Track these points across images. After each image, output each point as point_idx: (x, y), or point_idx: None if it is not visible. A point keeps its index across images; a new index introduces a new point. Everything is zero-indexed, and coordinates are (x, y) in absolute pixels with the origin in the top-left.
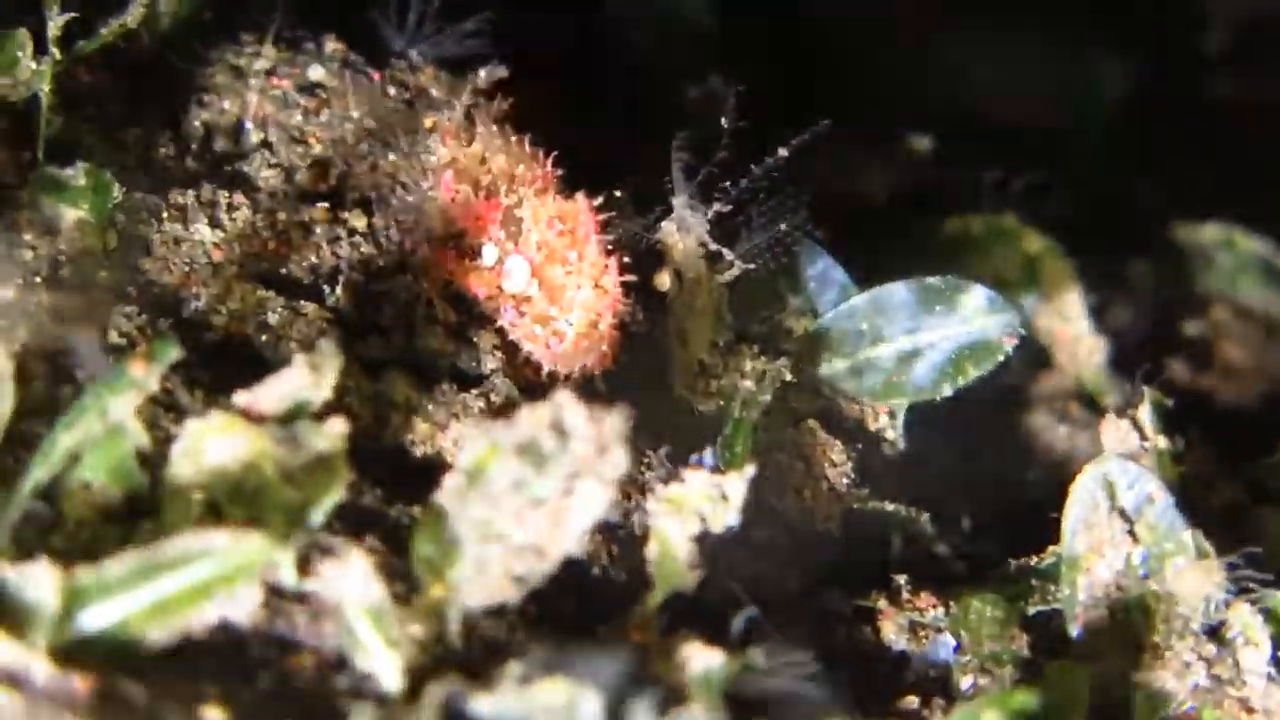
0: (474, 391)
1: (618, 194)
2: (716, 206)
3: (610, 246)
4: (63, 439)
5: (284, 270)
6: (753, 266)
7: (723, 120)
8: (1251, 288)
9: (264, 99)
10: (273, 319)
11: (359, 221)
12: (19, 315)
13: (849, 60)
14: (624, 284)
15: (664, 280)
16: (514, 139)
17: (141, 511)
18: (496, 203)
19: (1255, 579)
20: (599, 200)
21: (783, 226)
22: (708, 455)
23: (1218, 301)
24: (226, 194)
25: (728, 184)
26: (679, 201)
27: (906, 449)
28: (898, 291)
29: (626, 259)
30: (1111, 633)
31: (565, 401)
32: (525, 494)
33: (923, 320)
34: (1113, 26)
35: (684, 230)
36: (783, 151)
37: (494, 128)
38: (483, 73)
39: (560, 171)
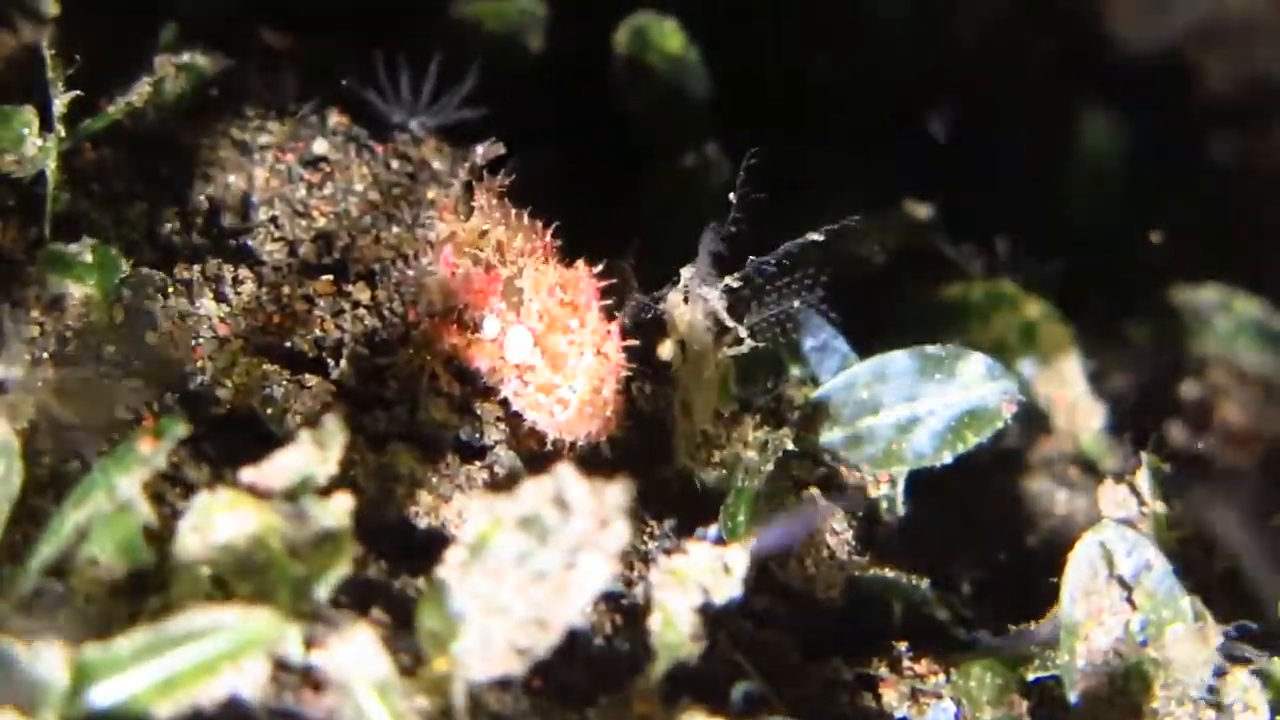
0: (478, 464)
1: (622, 264)
2: (728, 280)
3: (612, 313)
4: (71, 516)
5: (289, 344)
6: (761, 345)
7: (732, 196)
8: (1250, 350)
9: (269, 173)
10: (277, 392)
11: (363, 294)
12: (27, 392)
13: (849, 126)
14: (627, 350)
15: (667, 350)
16: (513, 211)
17: (149, 587)
18: (496, 275)
19: (1254, 644)
20: (600, 268)
21: (795, 304)
22: (712, 530)
23: (1216, 364)
24: (231, 268)
25: (742, 255)
26: (689, 273)
27: (907, 516)
28: (898, 360)
29: (631, 330)
30: (1110, 699)
31: (566, 475)
32: (528, 567)
33: (922, 388)
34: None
35: (691, 302)
36: (814, 236)
37: (493, 201)
38: (480, 149)
39: (559, 242)
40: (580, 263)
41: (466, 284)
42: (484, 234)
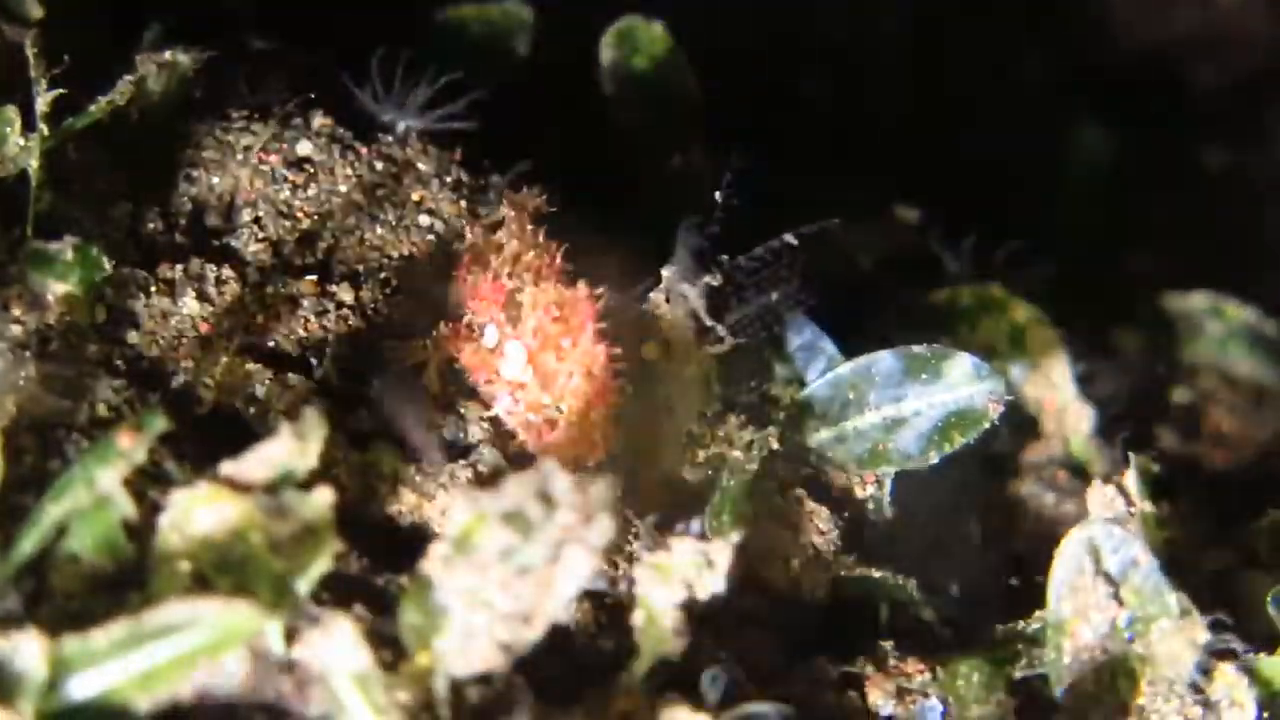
0: (461, 462)
1: (605, 265)
2: (708, 279)
3: (606, 334)
4: (51, 510)
5: (272, 343)
6: (744, 342)
7: (717, 195)
8: (1240, 355)
9: (252, 174)
10: (260, 391)
11: (346, 295)
12: (8, 389)
13: (834, 130)
14: (618, 373)
15: (652, 351)
16: (529, 228)
17: (130, 582)
18: (501, 285)
19: (1241, 641)
20: (599, 289)
21: (774, 297)
22: (694, 524)
23: (1206, 369)
24: (215, 268)
25: (723, 256)
26: (669, 272)
27: (894, 516)
28: (884, 360)
29: (617, 340)
30: (1097, 696)
31: (551, 470)
32: (512, 562)
33: (909, 388)
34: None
35: (673, 301)
36: (789, 238)
37: (517, 215)
38: (526, 190)
39: (569, 265)
40: (581, 283)
41: (474, 291)
42: (501, 246)
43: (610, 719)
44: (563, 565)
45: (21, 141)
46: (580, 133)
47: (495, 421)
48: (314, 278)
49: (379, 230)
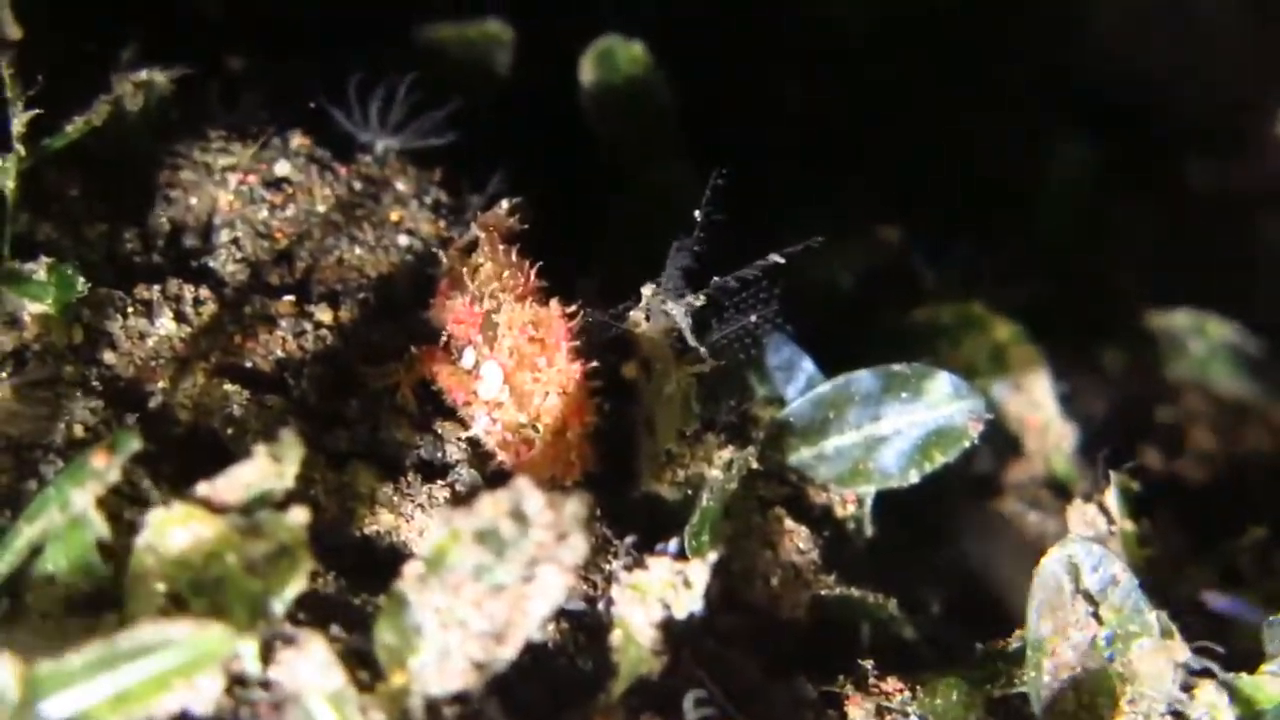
0: (439, 482)
1: (587, 284)
2: (690, 298)
3: (581, 354)
4: (25, 531)
5: (250, 364)
6: (723, 363)
7: (697, 214)
8: (1223, 374)
9: (231, 195)
10: (237, 412)
11: (325, 315)
12: None
13: (817, 146)
14: (594, 392)
15: (632, 370)
16: (503, 248)
17: (105, 603)
18: (478, 309)
19: (1221, 660)
20: (573, 307)
21: (753, 319)
22: (673, 544)
23: (1189, 387)
24: (192, 289)
25: (708, 276)
26: (649, 291)
27: (875, 536)
28: (863, 379)
29: (594, 360)
30: (1077, 715)
31: (525, 488)
32: (486, 581)
33: (889, 407)
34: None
35: (653, 319)
36: (776, 257)
37: (491, 237)
38: (505, 203)
39: (544, 283)
40: (554, 302)
41: (453, 315)
42: (477, 269)
43: None
44: (536, 584)
45: None
46: (561, 150)
47: (474, 442)
48: (292, 298)
49: (357, 250)
